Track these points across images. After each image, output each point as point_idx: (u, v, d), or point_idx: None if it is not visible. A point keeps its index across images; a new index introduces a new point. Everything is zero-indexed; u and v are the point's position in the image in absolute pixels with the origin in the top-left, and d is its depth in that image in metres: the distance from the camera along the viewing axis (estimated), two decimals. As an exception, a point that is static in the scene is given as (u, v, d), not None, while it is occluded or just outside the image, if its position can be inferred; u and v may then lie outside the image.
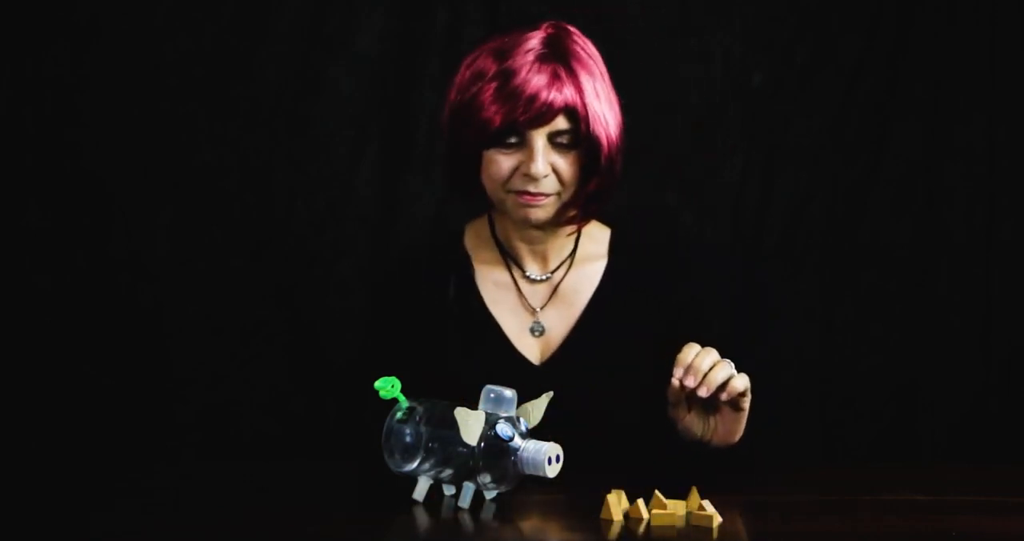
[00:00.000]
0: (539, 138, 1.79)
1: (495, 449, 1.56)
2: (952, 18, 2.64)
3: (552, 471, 1.56)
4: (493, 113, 1.78)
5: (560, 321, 1.91)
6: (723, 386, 1.67)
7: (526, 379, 1.69)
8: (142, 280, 2.61)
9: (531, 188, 1.81)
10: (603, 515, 1.53)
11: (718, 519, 1.51)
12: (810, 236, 2.67)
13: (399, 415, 1.61)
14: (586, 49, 1.84)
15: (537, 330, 1.91)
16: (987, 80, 2.65)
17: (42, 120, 2.60)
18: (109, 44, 2.60)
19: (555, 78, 1.79)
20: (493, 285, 1.93)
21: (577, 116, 1.80)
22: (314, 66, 2.64)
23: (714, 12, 2.66)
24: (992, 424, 2.66)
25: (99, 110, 2.60)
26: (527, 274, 1.93)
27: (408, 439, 1.59)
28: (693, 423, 1.74)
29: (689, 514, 1.53)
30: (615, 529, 1.50)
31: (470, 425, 1.54)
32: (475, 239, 1.96)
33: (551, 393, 1.61)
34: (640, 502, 1.53)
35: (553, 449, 1.56)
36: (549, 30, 1.84)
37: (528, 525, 1.56)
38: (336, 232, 2.64)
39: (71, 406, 2.60)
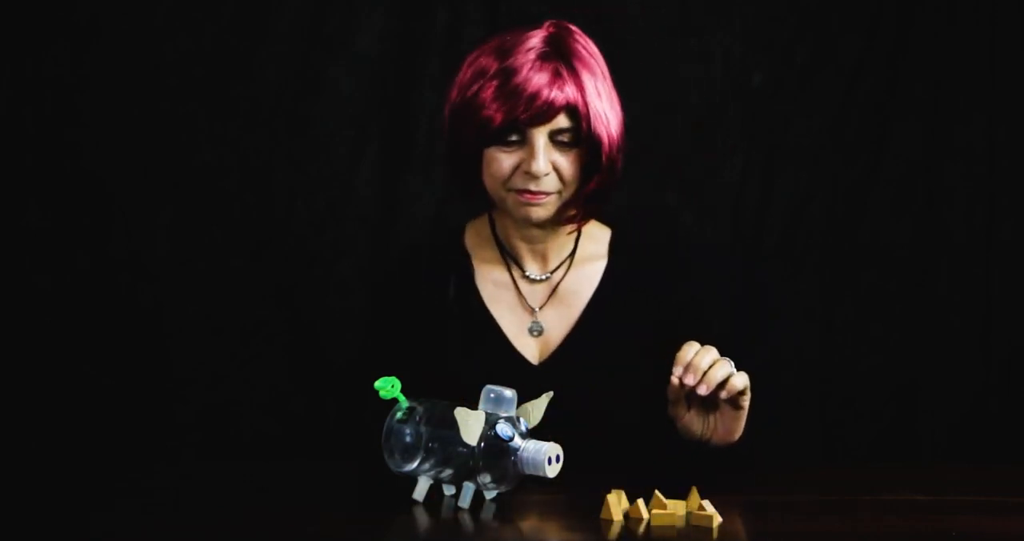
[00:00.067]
0: (540, 136, 1.80)
1: (495, 449, 1.56)
2: (952, 18, 2.64)
3: (552, 471, 1.56)
4: (494, 111, 1.78)
5: (559, 321, 1.91)
6: (723, 384, 1.67)
7: (525, 379, 1.69)
8: (142, 280, 2.61)
9: (532, 187, 1.81)
10: (603, 515, 1.53)
11: (718, 519, 1.51)
12: (810, 236, 2.67)
13: (399, 415, 1.61)
14: (587, 48, 1.84)
15: (536, 330, 1.91)
16: (987, 80, 2.65)
17: (42, 120, 2.60)
18: (109, 44, 2.60)
19: (556, 76, 1.79)
20: (492, 284, 1.93)
21: (578, 115, 1.80)
22: (314, 66, 2.64)
23: (714, 12, 2.66)
24: (992, 424, 2.66)
25: (99, 110, 2.60)
26: (527, 274, 1.93)
27: (408, 439, 1.59)
28: (693, 422, 1.74)
29: (689, 514, 1.53)
30: (615, 529, 1.50)
31: (470, 425, 1.54)
32: (475, 238, 1.96)
33: (551, 393, 1.61)
34: (640, 502, 1.53)
35: (553, 449, 1.56)
36: (551, 29, 1.84)
37: (528, 525, 1.56)
38: (336, 232, 2.64)
39: (71, 406, 2.60)
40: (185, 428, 2.62)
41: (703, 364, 1.66)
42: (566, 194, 1.83)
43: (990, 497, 1.67)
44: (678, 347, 1.69)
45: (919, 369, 2.67)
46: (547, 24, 1.85)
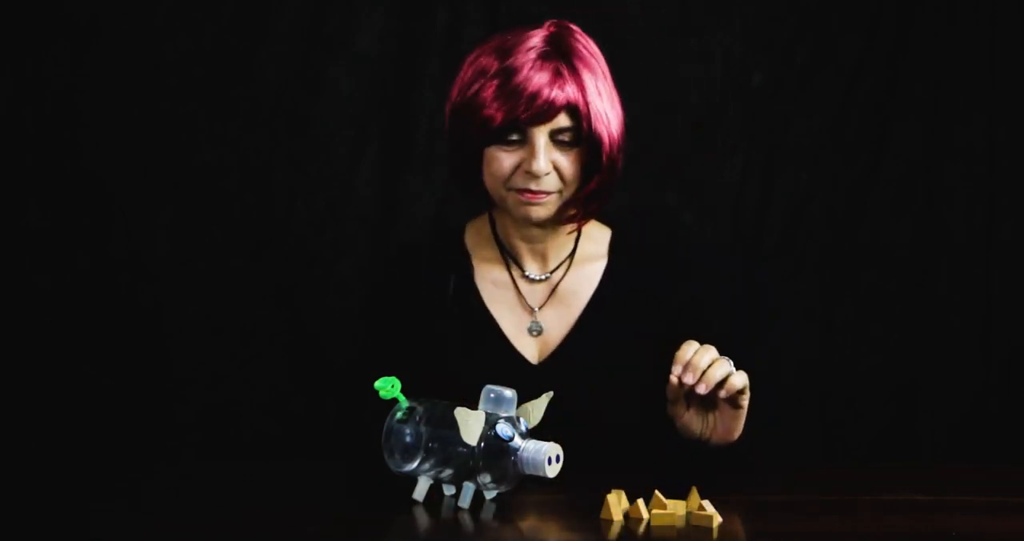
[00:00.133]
0: (541, 136, 1.80)
1: (495, 449, 1.56)
2: (952, 18, 2.64)
3: (552, 471, 1.56)
4: (495, 111, 1.78)
5: (558, 321, 1.91)
6: (722, 383, 1.67)
7: (524, 378, 1.69)
8: (142, 280, 2.61)
9: (532, 186, 1.81)
10: (603, 515, 1.53)
11: (718, 519, 1.51)
12: (810, 236, 2.67)
13: (399, 415, 1.61)
14: (588, 48, 1.84)
15: (535, 330, 1.91)
16: (987, 80, 2.65)
17: (42, 120, 2.60)
18: (109, 44, 2.60)
19: (557, 76, 1.79)
20: (492, 284, 1.93)
21: (579, 114, 1.80)
22: (314, 66, 2.64)
23: (714, 12, 2.66)
24: (992, 424, 2.66)
25: (99, 110, 2.60)
26: (526, 274, 1.93)
27: (408, 439, 1.59)
28: (692, 421, 1.74)
29: (689, 514, 1.53)
30: (615, 529, 1.50)
31: (470, 425, 1.54)
32: (475, 238, 1.96)
33: (551, 393, 1.61)
34: (640, 502, 1.53)
35: (553, 449, 1.56)
36: (551, 28, 1.84)
37: (528, 525, 1.56)
38: (336, 232, 2.64)
39: (71, 406, 2.60)
40: (185, 428, 2.62)
41: (702, 363, 1.66)
42: (566, 194, 1.83)
43: (990, 497, 1.67)
44: (678, 347, 1.69)
45: (919, 369, 2.67)
46: (548, 23, 1.85)
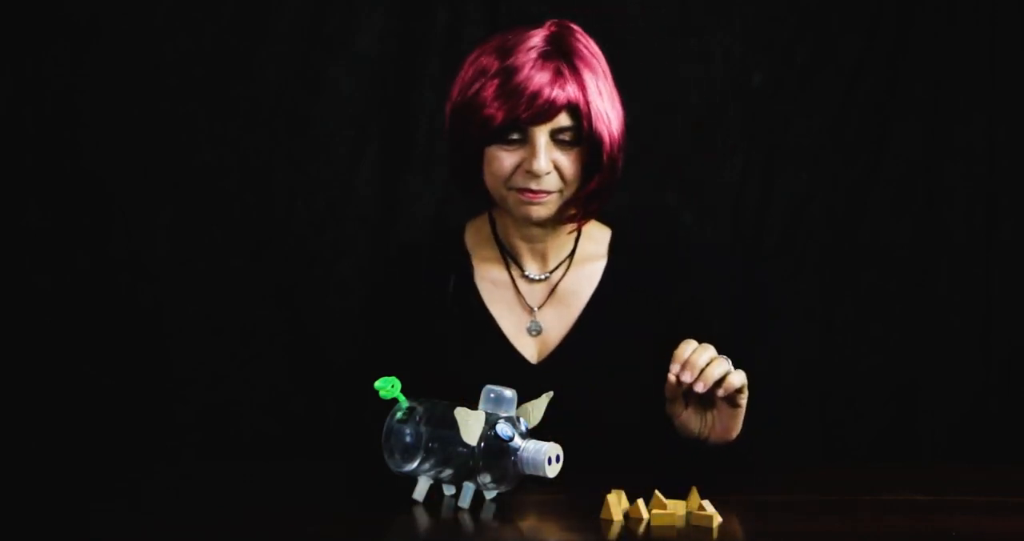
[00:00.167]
0: (541, 135, 1.80)
1: (495, 449, 1.56)
2: (952, 18, 2.64)
3: (552, 471, 1.56)
4: (495, 110, 1.78)
5: (558, 321, 1.91)
6: (720, 382, 1.67)
7: (523, 378, 1.69)
8: (142, 280, 2.61)
9: (533, 185, 1.81)
10: (603, 515, 1.53)
11: (718, 519, 1.51)
12: (810, 236, 2.67)
13: (399, 415, 1.61)
14: (589, 47, 1.84)
15: (534, 329, 1.91)
16: (987, 80, 2.65)
17: (42, 120, 2.60)
18: (109, 44, 2.60)
19: (558, 75, 1.79)
20: (491, 284, 1.93)
21: (580, 114, 1.80)
22: (314, 66, 2.64)
23: (714, 12, 2.66)
24: (992, 424, 2.66)
25: (99, 110, 2.60)
26: (526, 273, 1.93)
27: (408, 439, 1.59)
28: (690, 420, 1.74)
29: (689, 514, 1.53)
30: (615, 529, 1.50)
31: (470, 425, 1.54)
32: (475, 237, 1.96)
33: (551, 393, 1.61)
34: (640, 502, 1.53)
35: (553, 449, 1.56)
36: (552, 28, 1.84)
37: (528, 525, 1.56)
38: (336, 232, 2.64)
39: (71, 406, 2.60)
40: (185, 428, 2.62)
41: (700, 361, 1.66)
42: (567, 193, 1.83)
43: (990, 497, 1.67)
44: (677, 347, 1.69)
45: (919, 369, 2.67)
46: (549, 23, 1.85)
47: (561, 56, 1.80)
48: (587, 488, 1.58)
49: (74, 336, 2.60)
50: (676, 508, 1.53)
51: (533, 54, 1.80)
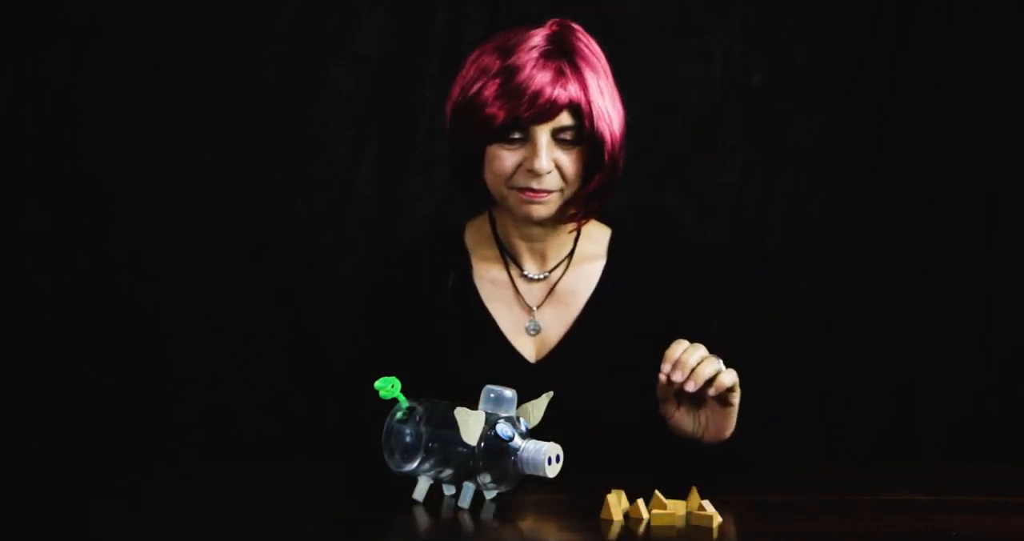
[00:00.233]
0: (543, 134, 1.80)
1: (495, 449, 1.56)
2: (952, 18, 2.64)
3: (552, 471, 1.56)
4: (497, 109, 1.79)
5: (557, 320, 1.91)
6: (711, 381, 1.67)
7: (522, 377, 1.69)
8: (142, 280, 2.61)
9: (534, 184, 1.81)
10: (603, 515, 1.53)
11: (718, 519, 1.51)
12: (810, 236, 2.67)
13: (399, 415, 1.61)
14: (590, 46, 1.84)
15: (533, 329, 1.91)
16: (987, 80, 2.65)
17: (42, 120, 2.60)
18: (109, 44, 2.60)
19: (559, 75, 1.79)
20: (490, 283, 1.93)
21: (581, 113, 1.80)
22: (314, 66, 2.64)
23: (714, 12, 2.66)
24: (992, 424, 2.66)
25: (99, 110, 2.60)
26: (525, 273, 1.93)
27: (408, 439, 1.59)
28: (683, 420, 1.74)
29: (689, 514, 1.53)
30: (615, 529, 1.50)
31: (470, 425, 1.54)
32: (475, 236, 1.96)
33: (551, 393, 1.61)
34: (640, 502, 1.53)
35: (553, 449, 1.56)
36: (553, 27, 1.84)
37: (528, 525, 1.56)
38: (336, 232, 2.64)
39: (71, 406, 2.60)
40: (185, 428, 2.62)
41: (691, 361, 1.66)
42: (568, 192, 1.83)
43: (990, 497, 1.67)
44: (674, 347, 1.69)
45: (919, 369, 2.67)
46: (550, 22, 1.85)
47: (562, 55, 1.81)
48: (587, 488, 1.58)
49: (74, 336, 2.60)
50: (676, 508, 1.53)
51: (535, 53, 1.80)
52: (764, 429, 1.80)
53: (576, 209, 1.85)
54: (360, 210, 2.64)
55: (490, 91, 1.79)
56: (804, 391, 2.66)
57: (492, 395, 1.58)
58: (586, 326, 1.90)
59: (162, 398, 2.62)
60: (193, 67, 2.62)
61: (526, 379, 1.68)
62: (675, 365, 1.66)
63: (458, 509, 1.57)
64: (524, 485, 1.59)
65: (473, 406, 1.57)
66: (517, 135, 1.81)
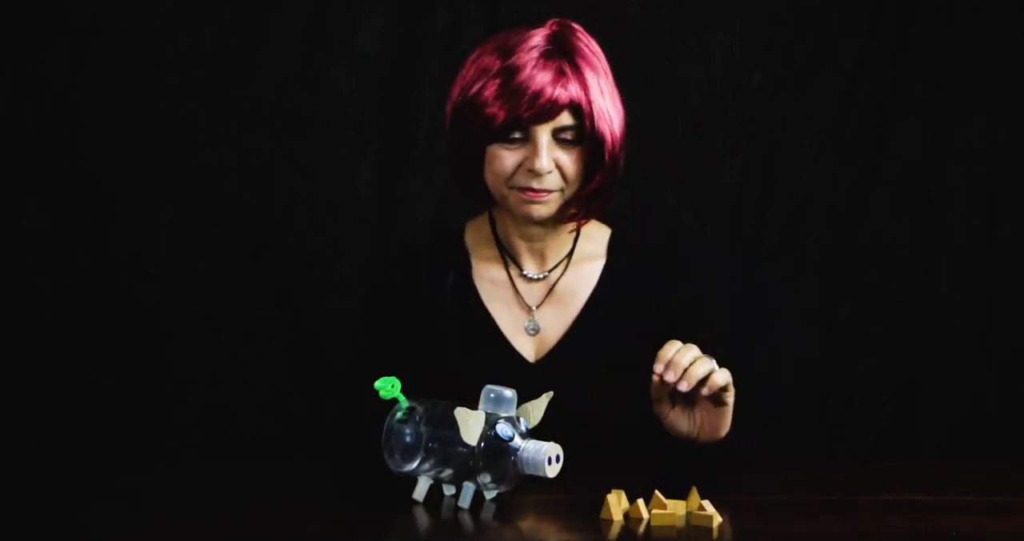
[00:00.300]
0: (543, 134, 1.80)
1: (495, 449, 1.56)
2: (952, 18, 2.64)
3: (552, 471, 1.56)
4: (497, 109, 1.79)
5: (556, 320, 1.91)
6: (704, 381, 1.67)
7: (522, 377, 1.69)
8: (142, 280, 2.61)
9: (535, 184, 1.81)
10: (603, 515, 1.53)
11: (718, 519, 1.51)
12: (810, 236, 2.67)
13: (399, 415, 1.61)
14: (590, 46, 1.84)
15: (532, 329, 1.91)
16: (987, 80, 2.65)
17: (42, 120, 2.60)
18: (109, 44, 2.60)
19: (560, 74, 1.79)
20: (490, 282, 1.93)
21: (581, 113, 1.80)
22: (314, 66, 2.64)
23: (714, 12, 2.66)
24: (992, 424, 2.66)
25: (99, 110, 2.60)
26: (524, 272, 1.93)
27: (408, 439, 1.59)
28: (677, 420, 1.74)
29: (689, 514, 1.53)
30: (615, 529, 1.50)
31: (470, 425, 1.54)
32: (475, 236, 1.96)
33: (551, 393, 1.61)
34: (640, 502, 1.53)
35: (553, 449, 1.56)
36: (553, 27, 1.84)
37: (528, 525, 1.56)
38: (336, 232, 2.64)
39: (71, 406, 2.60)
40: (185, 428, 2.62)
41: (684, 361, 1.66)
42: (568, 192, 1.83)
43: (990, 497, 1.67)
44: (672, 346, 1.69)
45: (919, 369, 2.67)
46: (550, 22, 1.85)
47: (563, 55, 1.81)
48: (587, 488, 1.58)
49: (74, 336, 2.60)
50: (676, 508, 1.53)
51: (535, 53, 1.80)
52: (764, 429, 1.80)
53: (576, 209, 1.85)
54: (360, 210, 2.64)
55: (490, 91, 1.79)
56: (804, 391, 2.66)
57: (492, 395, 1.58)
58: (586, 326, 1.90)
59: (162, 398, 2.62)
60: (193, 67, 2.62)
61: (526, 379, 1.68)
62: (668, 365, 1.66)
63: (458, 509, 1.57)
64: (524, 485, 1.59)
65: (473, 406, 1.57)
66: (517, 135, 1.81)
